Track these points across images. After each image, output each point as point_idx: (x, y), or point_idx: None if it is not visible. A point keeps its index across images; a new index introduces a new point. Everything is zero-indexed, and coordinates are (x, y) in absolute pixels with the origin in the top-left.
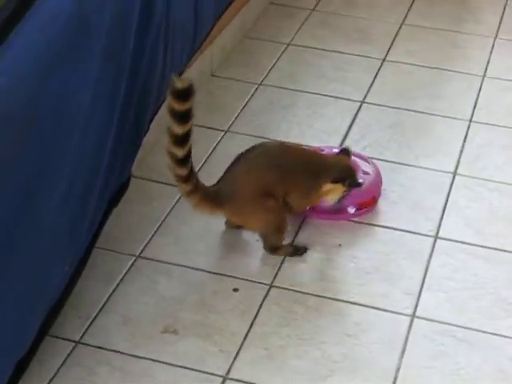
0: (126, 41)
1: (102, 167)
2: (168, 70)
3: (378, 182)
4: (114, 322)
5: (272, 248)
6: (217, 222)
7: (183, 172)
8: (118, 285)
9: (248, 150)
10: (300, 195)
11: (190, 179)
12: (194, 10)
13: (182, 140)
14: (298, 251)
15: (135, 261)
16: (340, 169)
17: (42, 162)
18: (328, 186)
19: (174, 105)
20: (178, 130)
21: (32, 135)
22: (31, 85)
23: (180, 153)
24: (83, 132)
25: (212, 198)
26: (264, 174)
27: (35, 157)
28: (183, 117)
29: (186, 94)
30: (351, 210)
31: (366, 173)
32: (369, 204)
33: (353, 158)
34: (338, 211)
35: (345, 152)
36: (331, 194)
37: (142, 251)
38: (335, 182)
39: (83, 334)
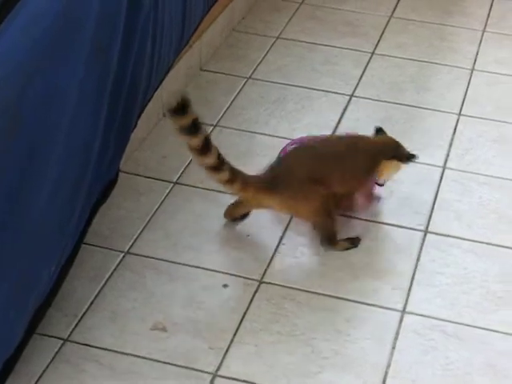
0: (113, 38)
1: (90, 164)
2: (156, 66)
3: None
4: (102, 319)
5: (329, 240)
6: (206, 217)
7: (225, 176)
8: (106, 281)
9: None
10: (359, 178)
11: (233, 178)
12: (183, 4)
13: (204, 149)
14: (354, 243)
15: (124, 257)
16: (393, 146)
17: (28, 161)
18: (384, 164)
19: (178, 123)
20: (194, 142)
21: (17, 135)
22: (16, 84)
23: (210, 160)
24: (70, 130)
25: (266, 186)
26: (316, 163)
27: (21, 156)
28: (192, 129)
29: (182, 109)
30: None
31: None
32: None
33: None
34: None
35: (381, 131)
36: (387, 171)
37: (130, 247)
38: (392, 158)
39: (71, 332)
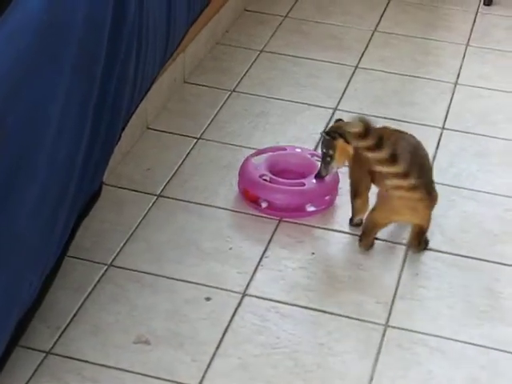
0: (97, 50)
1: (74, 176)
2: (140, 80)
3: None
4: (84, 332)
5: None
6: (189, 230)
7: (410, 182)
8: (89, 294)
9: (414, 144)
10: None
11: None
12: (167, 17)
13: (392, 159)
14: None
15: (106, 270)
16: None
17: (13, 171)
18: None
19: (364, 144)
20: (382, 155)
21: (2, 145)
22: (1, 94)
23: (399, 168)
24: (54, 141)
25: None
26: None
27: (5, 167)
28: (378, 144)
29: (365, 134)
30: (309, 209)
31: None
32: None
33: (312, 157)
34: (296, 209)
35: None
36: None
37: (113, 260)
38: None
39: (54, 345)
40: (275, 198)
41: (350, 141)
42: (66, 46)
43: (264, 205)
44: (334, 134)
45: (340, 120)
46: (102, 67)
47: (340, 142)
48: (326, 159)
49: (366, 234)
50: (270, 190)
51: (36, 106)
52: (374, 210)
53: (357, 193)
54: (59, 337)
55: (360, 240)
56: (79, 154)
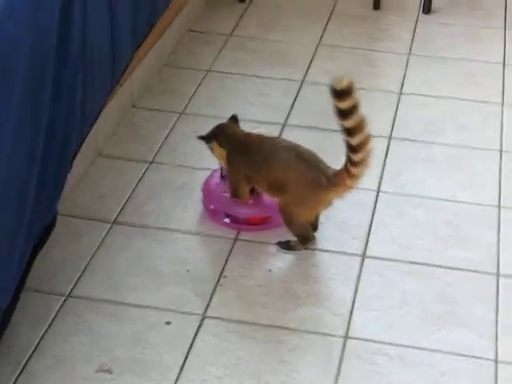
0: (44, 79)
1: (27, 209)
2: (88, 108)
3: None
4: (46, 365)
5: None
6: (146, 255)
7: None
8: (49, 326)
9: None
10: None
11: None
12: (111, 44)
13: (349, 132)
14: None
15: (65, 300)
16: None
17: None
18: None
19: (335, 103)
20: (345, 123)
21: None
22: None
23: (352, 141)
24: (5, 175)
25: None
26: None
27: None
28: (344, 113)
29: (344, 93)
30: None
31: None
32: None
33: None
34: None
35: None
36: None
37: (71, 290)
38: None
39: (15, 381)
40: (236, 211)
41: (222, 145)
42: (13, 77)
43: (227, 220)
44: (208, 139)
45: (221, 125)
46: (50, 97)
47: (215, 145)
48: None
49: (303, 236)
50: (232, 204)
51: None
52: (294, 215)
53: (236, 194)
54: (20, 372)
55: (302, 243)
56: (30, 187)
